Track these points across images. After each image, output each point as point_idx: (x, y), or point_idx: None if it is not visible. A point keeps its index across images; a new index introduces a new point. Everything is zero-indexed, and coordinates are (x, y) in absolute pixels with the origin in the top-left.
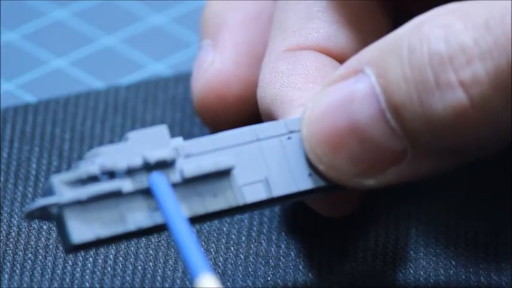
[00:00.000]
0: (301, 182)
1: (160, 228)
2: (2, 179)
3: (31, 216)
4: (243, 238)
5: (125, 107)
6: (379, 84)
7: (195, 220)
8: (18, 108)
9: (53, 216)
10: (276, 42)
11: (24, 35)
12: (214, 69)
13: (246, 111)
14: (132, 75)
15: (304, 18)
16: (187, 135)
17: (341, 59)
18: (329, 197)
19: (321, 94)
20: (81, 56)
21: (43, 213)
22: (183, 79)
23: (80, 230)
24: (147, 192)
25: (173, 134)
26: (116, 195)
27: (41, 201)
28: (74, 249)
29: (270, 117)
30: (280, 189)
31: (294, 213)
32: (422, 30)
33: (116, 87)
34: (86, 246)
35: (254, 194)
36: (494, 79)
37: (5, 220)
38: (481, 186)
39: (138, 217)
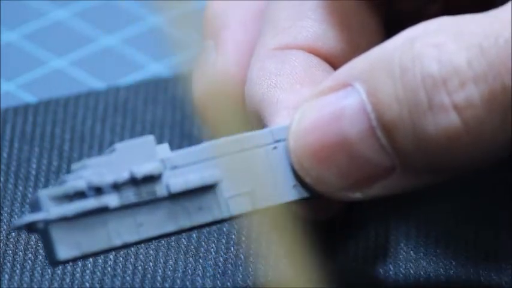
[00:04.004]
0: (286, 193)
1: (146, 241)
2: (2, 179)
3: (18, 229)
4: (243, 238)
5: (125, 107)
6: (370, 102)
7: (180, 232)
8: (18, 108)
9: (39, 231)
10: (265, 39)
11: (24, 35)
12: (216, 70)
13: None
14: (132, 75)
15: (295, 16)
16: (187, 136)
17: (329, 59)
18: (310, 203)
19: (309, 106)
20: (81, 56)
21: (30, 228)
22: (183, 80)
23: (66, 246)
24: (133, 207)
25: (173, 135)
26: (103, 211)
27: (28, 218)
28: (59, 264)
29: (256, 116)
30: (265, 201)
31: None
32: (414, 49)
33: (116, 88)
34: (71, 261)
35: (239, 206)
36: (488, 103)
37: (5, 220)
38: (481, 186)
39: (124, 232)
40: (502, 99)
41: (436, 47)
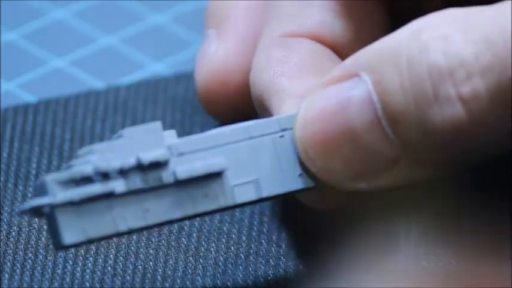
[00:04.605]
0: (291, 182)
1: (151, 227)
2: (2, 178)
3: (24, 214)
4: (244, 238)
5: (125, 107)
6: (377, 92)
7: (185, 218)
8: (18, 108)
9: (45, 215)
10: (271, 27)
11: (24, 35)
12: (217, 58)
13: (248, 100)
14: (132, 75)
15: (301, 4)
16: (188, 135)
17: (335, 48)
18: (315, 192)
19: (316, 95)
20: (81, 56)
21: (36, 212)
22: (183, 79)
23: (72, 231)
24: (139, 193)
25: None
26: (109, 196)
27: (34, 201)
28: (64, 248)
29: (262, 103)
30: (270, 189)
31: (294, 212)
32: (421, 40)
33: (116, 87)
34: (76, 245)
35: (244, 194)
36: (493, 95)
37: (5, 220)
38: (482, 185)
39: (129, 218)
40: (507, 91)
41: (442, 39)
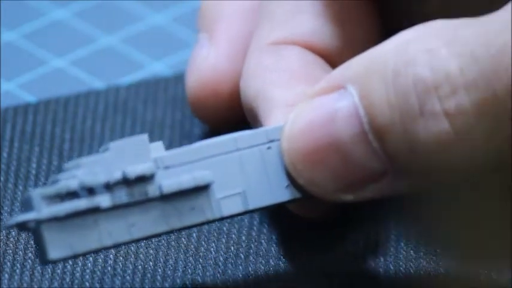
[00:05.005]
0: (279, 193)
1: (137, 241)
2: (2, 178)
3: (10, 228)
4: (243, 238)
5: (125, 107)
6: (363, 105)
7: (171, 232)
8: (18, 108)
9: (31, 230)
10: (262, 34)
11: (24, 35)
12: (208, 63)
13: (239, 106)
14: (132, 75)
15: (292, 11)
16: (188, 135)
17: (325, 56)
18: (303, 202)
19: (303, 108)
20: (81, 56)
21: (22, 227)
22: (183, 79)
23: (57, 246)
24: (125, 207)
25: (173, 134)
26: (94, 211)
27: (19, 217)
28: (50, 263)
29: (251, 111)
30: (257, 201)
31: (295, 212)
32: (407, 53)
33: (116, 87)
34: (62, 260)
35: (231, 207)
36: (478, 110)
37: (5, 220)
38: (481, 186)
39: (115, 233)
40: (492, 107)
41: (428, 53)
